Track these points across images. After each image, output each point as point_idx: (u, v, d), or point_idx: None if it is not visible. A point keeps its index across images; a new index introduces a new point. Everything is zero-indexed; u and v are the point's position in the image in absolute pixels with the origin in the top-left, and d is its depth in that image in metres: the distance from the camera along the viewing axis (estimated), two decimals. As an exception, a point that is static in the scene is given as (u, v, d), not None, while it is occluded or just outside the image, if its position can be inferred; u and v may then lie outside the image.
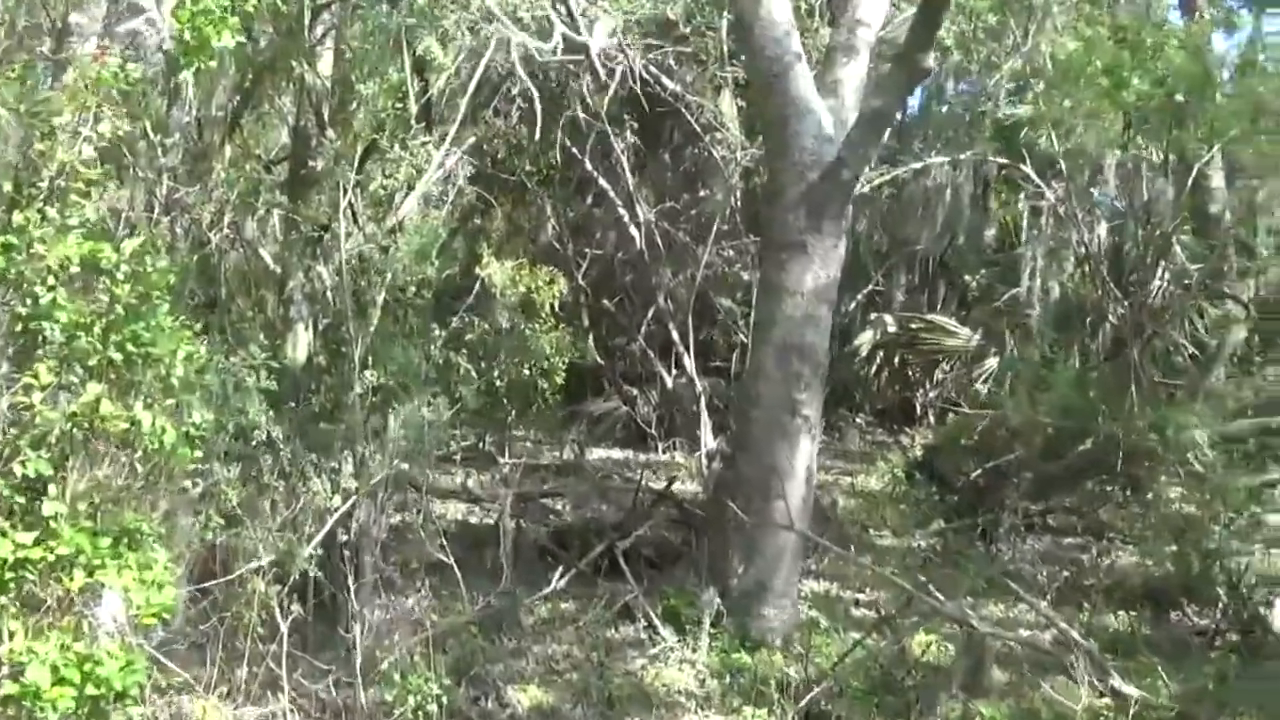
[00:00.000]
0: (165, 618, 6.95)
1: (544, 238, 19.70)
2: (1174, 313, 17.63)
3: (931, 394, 22.22)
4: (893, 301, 22.62)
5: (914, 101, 23.27)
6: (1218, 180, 17.99)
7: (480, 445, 16.34)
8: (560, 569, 12.28)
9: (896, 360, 22.16)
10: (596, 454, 19.05)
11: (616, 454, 19.35)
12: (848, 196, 12.06)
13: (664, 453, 18.75)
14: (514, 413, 14.90)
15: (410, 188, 12.71)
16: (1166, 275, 17.27)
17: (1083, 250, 17.65)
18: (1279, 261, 18.97)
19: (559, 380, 13.94)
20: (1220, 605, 12.33)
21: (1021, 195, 21.04)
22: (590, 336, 19.37)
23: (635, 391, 19.76)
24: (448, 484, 15.09)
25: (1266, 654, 11.50)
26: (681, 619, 11.67)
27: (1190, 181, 16.82)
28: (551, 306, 14.12)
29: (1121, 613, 12.86)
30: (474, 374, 13.20)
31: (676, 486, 15.32)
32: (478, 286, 13.94)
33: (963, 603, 12.28)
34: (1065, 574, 14.08)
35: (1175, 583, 12.94)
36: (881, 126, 12.34)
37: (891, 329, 21.46)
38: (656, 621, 11.64)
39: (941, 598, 10.94)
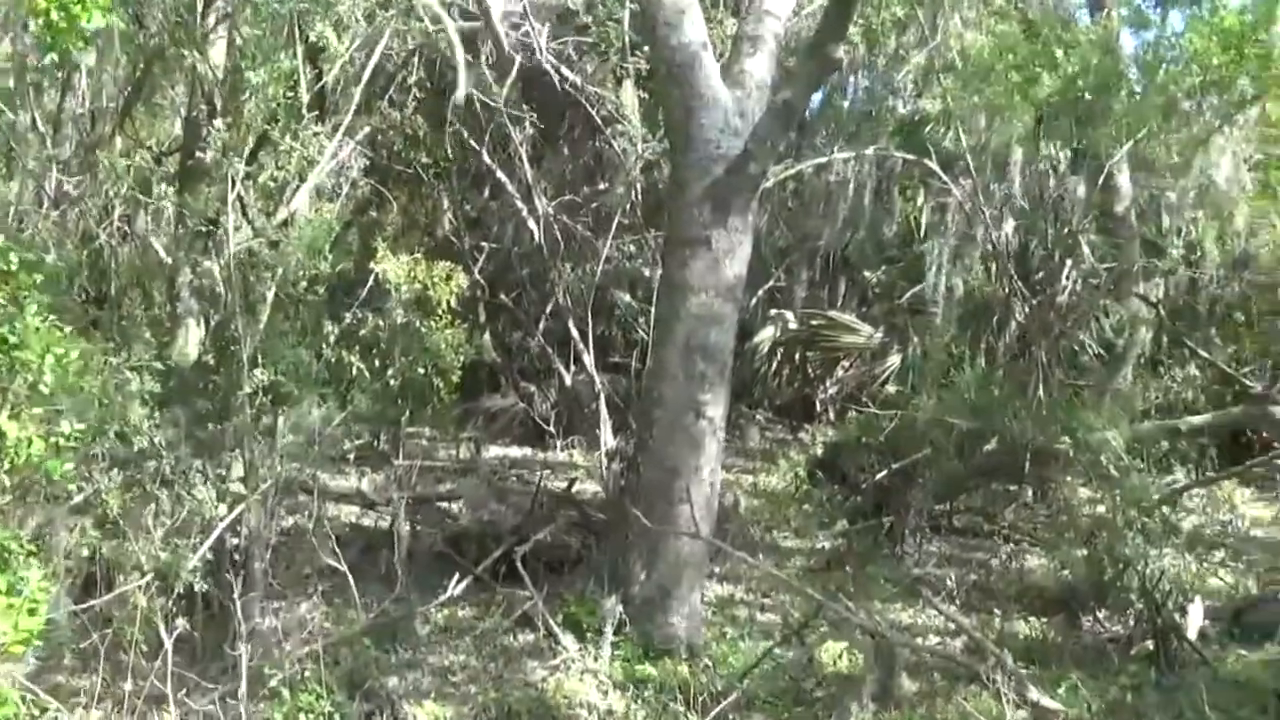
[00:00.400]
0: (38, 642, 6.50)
1: (441, 231, 19.24)
2: (1081, 312, 17.48)
3: (832, 390, 21.99)
4: (794, 298, 22.37)
5: (816, 95, 23.08)
6: (1123, 179, 17.86)
7: (375, 445, 15.81)
8: (456, 575, 11.91)
9: (797, 357, 21.94)
10: (493, 452, 18.68)
11: (514, 452, 18.96)
12: (754, 191, 11.69)
13: (562, 451, 18.44)
14: (410, 412, 14.45)
15: (302, 179, 12.22)
16: (1074, 274, 17.09)
17: (989, 247, 17.38)
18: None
19: (455, 379, 13.49)
20: (1133, 612, 12.12)
21: (923, 192, 20.87)
22: (487, 332, 19.04)
23: (533, 388, 19.41)
24: (342, 486, 14.59)
25: (1182, 662, 11.30)
26: (583, 627, 11.32)
27: (1100, 180, 16.69)
28: (448, 302, 13.70)
29: (1033, 619, 12.65)
30: (367, 373, 12.77)
31: (576, 487, 14.97)
32: (372, 282, 13.42)
33: (871, 609, 12.09)
34: (973, 577, 13.96)
35: (1087, 588, 12.69)
36: (790, 119, 12.01)
37: (792, 325, 21.25)
38: (556, 630, 11.28)
39: (850, 605, 10.68)
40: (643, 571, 11.53)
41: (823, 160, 18.66)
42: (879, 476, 15.18)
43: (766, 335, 21.33)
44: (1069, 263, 16.87)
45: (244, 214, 12.14)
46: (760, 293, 21.23)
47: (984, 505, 16.13)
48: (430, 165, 16.73)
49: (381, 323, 13.49)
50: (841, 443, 17.35)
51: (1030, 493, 15.77)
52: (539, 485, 13.93)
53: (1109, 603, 12.61)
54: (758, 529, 15.44)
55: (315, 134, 12.05)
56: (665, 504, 11.51)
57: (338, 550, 11.04)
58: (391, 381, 13.27)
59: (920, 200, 21.15)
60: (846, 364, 21.73)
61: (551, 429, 18.83)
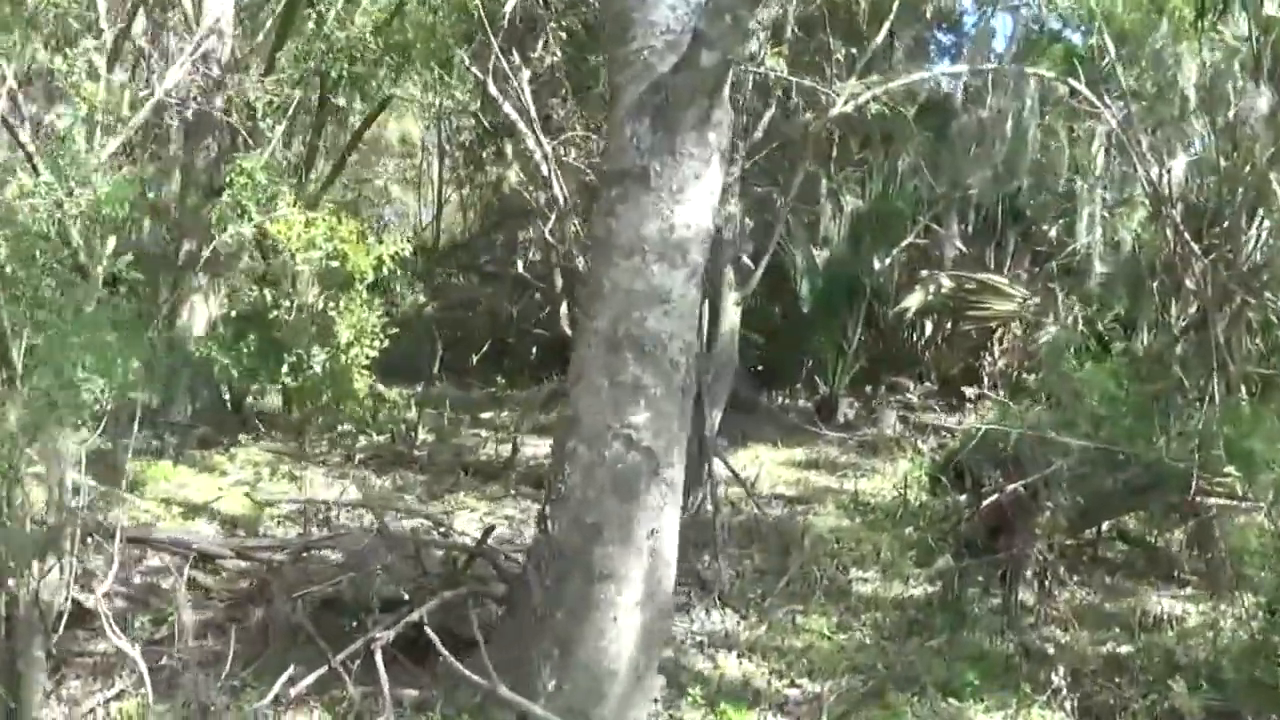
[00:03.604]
0: None
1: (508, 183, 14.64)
2: (1275, 273, 11.59)
3: (1001, 362, 16.74)
4: (943, 255, 16.95)
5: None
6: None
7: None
8: (291, 669, 7.15)
9: (950, 325, 16.78)
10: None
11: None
12: (714, 94, 6.57)
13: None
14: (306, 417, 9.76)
15: (94, 120, 7.61)
16: (1265, 223, 11.22)
17: (1150, 189, 11.59)
18: None
19: (361, 376, 8.78)
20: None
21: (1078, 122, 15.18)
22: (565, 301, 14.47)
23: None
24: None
25: None
26: (460, 761, 6.53)
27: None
28: (386, 272, 9.04)
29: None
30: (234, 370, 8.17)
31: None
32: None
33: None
34: (1106, 649, 8.77)
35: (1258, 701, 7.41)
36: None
37: (948, 286, 16.07)
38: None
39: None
40: (551, 677, 6.67)
41: (918, 77, 12.84)
42: (996, 494, 9.96)
43: (914, 300, 16.20)
44: (1260, 208, 10.99)
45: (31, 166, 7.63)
46: (896, 251, 15.93)
47: (1140, 533, 10.82)
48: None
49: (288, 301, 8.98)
50: (971, 441, 12.15)
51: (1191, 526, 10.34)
52: (437, 534, 8.69)
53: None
54: (830, 566, 10.35)
55: (85, 51, 7.42)
56: (582, 580, 6.66)
57: (112, 628, 7.04)
58: (288, 380, 8.72)
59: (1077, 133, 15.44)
60: (1013, 333, 16.54)
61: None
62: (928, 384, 17.48)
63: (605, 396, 6.61)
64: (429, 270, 16.78)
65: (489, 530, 8.12)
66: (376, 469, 12.46)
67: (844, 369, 15.93)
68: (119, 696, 7.33)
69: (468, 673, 6.78)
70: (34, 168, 7.82)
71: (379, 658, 7.05)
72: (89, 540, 7.71)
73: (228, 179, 10.08)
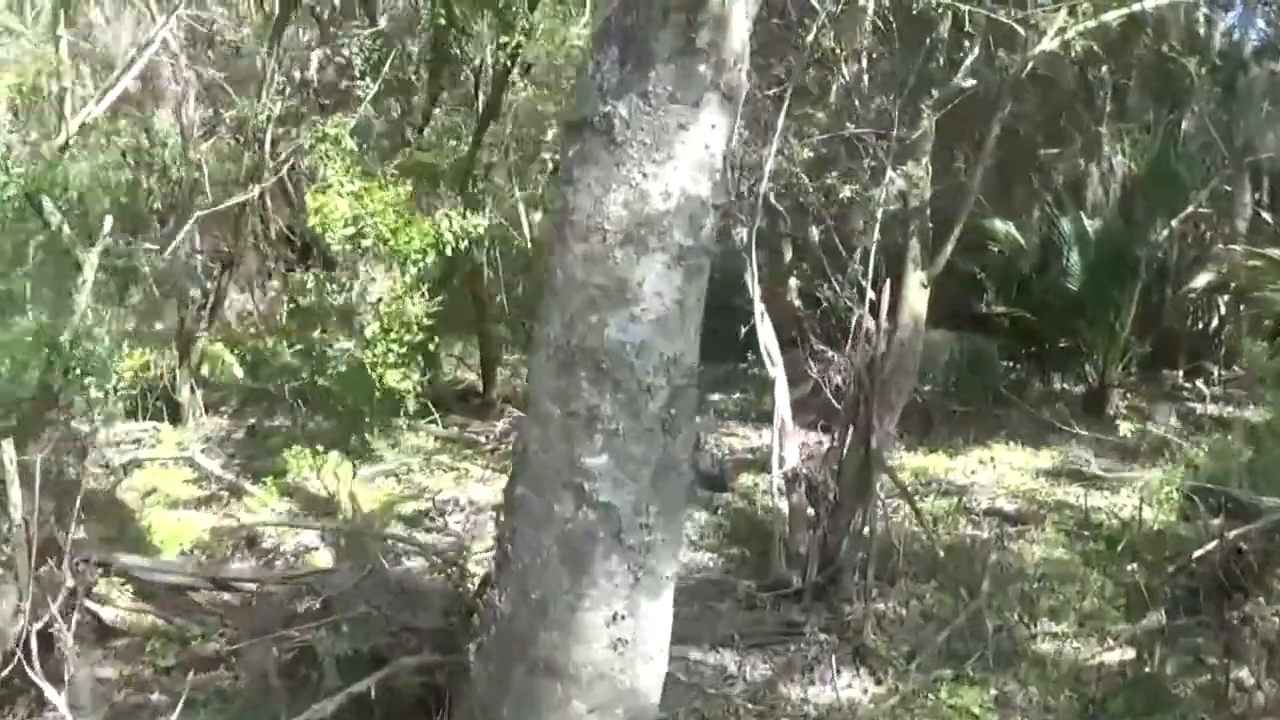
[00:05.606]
0: None
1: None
2: None
3: (1316, 355, 13.76)
4: (1235, 230, 13.96)
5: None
6: None
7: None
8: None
9: (1243, 307, 13.88)
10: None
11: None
12: (699, 6, 4.39)
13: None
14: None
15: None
16: None
17: None
18: None
19: (389, 374, 6.93)
20: None
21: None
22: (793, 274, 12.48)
23: (830, 352, 12.23)
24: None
25: None
26: None
27: None
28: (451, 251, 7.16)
29: None
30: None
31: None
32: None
33: None
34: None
35: None
36: None
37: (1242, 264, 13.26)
38: None
39: None
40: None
41: (1140, 6, 9.72)
42: (1217, 538, 7.40)
43: (1203, 278, 13.41)
44: None
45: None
46: (1176, 221, 13.00)
47: None
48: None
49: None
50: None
51: None
52: (404, 584, 6.56)
53: None
54: (1014, 613, 7.96)
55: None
56: (525, 671, 4.62)
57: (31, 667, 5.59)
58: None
59: None
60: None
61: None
62: (1233, 370, 14.56)
63: (554, 430, 4.55)
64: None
65: (487, 578, 6.13)
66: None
67: (1117, 354, 13.17)
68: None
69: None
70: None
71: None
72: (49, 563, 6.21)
73: (309, 144, 8.47)
